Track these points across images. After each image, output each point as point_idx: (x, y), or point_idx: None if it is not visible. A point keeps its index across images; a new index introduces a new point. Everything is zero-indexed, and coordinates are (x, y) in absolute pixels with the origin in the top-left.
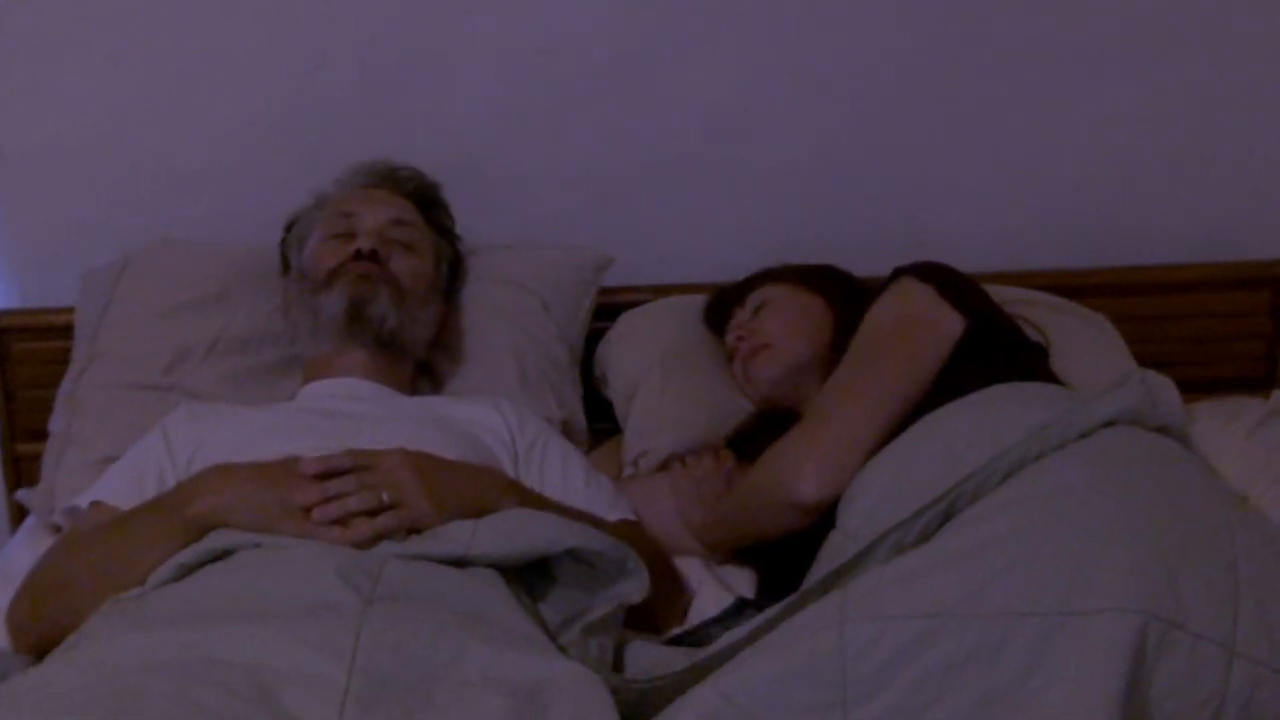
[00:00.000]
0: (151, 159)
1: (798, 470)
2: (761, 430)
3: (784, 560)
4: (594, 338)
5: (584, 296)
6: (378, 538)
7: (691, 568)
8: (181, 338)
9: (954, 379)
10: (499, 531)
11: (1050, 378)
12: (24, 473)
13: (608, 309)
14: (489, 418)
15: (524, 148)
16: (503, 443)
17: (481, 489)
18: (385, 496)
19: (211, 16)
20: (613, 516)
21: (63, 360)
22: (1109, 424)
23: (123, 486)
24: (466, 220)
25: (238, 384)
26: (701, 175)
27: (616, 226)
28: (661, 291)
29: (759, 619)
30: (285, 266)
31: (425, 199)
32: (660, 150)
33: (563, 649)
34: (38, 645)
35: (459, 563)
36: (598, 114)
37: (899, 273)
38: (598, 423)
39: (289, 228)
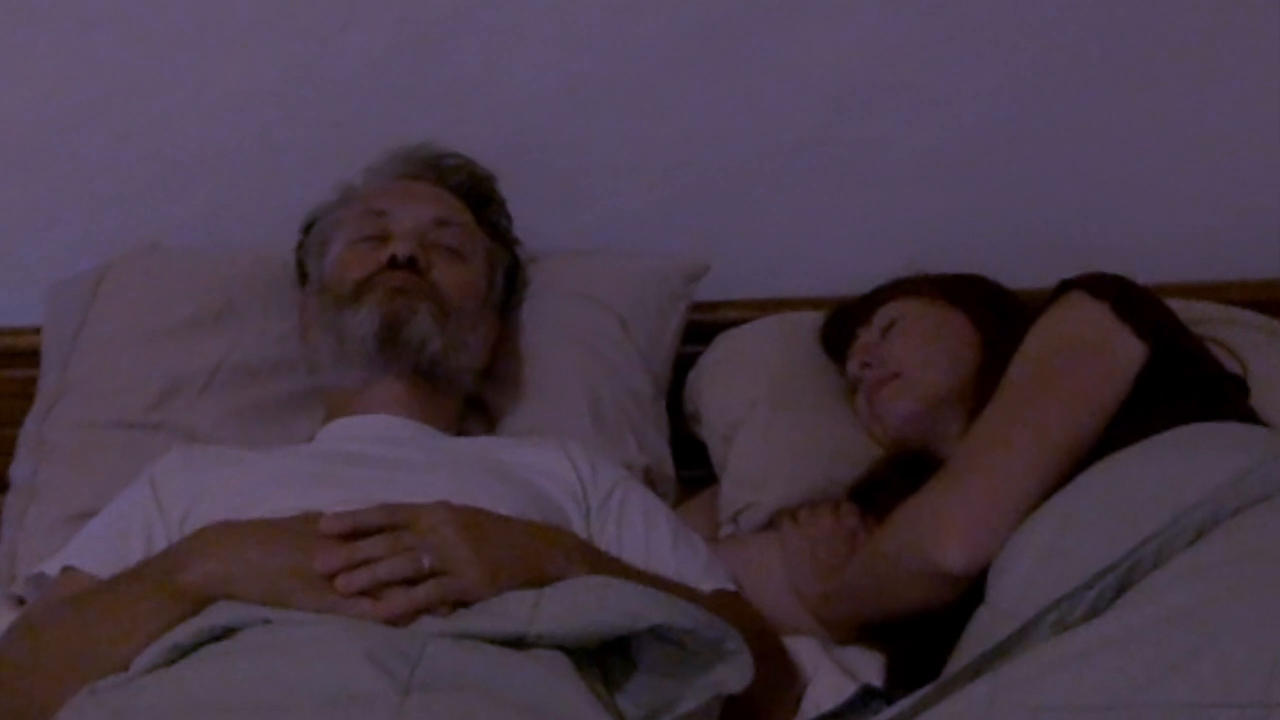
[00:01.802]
0: (136, 143)
1: (940, 532)
2: (893, 480)
3: (920, 641)
4: (684, 365)
5: (672, 314)
6: (417, 613)
7: (805, 649)
8: (173, 365)
9: (1132, 418)
10: (566, 605)
11: (1249, 416)
12: None
13: (701, 329)
14: (554, 464)
15: (598, 130)
16: (571, 495)
17: (544, 552)
18: (426, 562)
19: None
20: (707, 586)
21: (27, 393)
22: None
23: (100, 549)
24: (526, 220)
25: (243, 422)
26: (819, 163)
27: (712, 227)
28: (768, 307)
29: (890, 713)
30: (302, 277)
31: (476, 194)
32: (768, 132)
33: None
34: None
35: (517, 643)
36: (690, 87)
37: (1065, 286)
38: (689, 470)
39: (307, 229)
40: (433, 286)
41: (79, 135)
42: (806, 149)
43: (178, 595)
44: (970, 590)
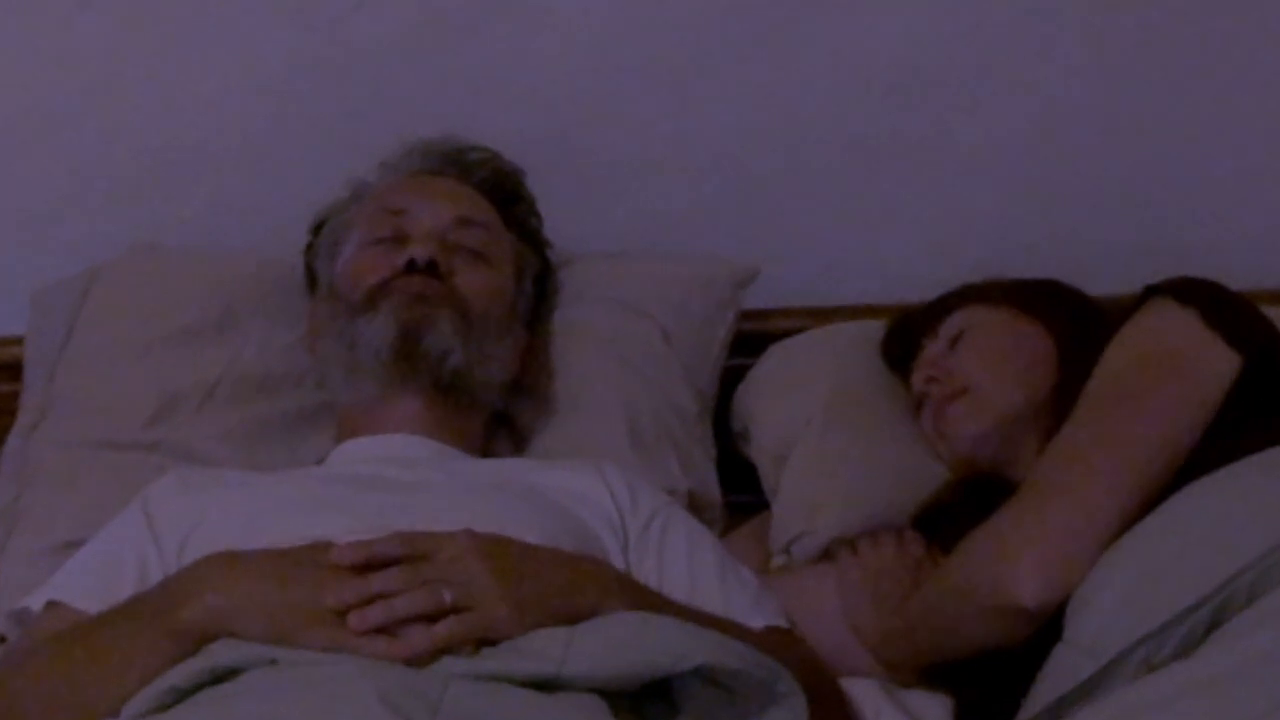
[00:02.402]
0: (129, 136)
1: (1014, 563)
2: (962, 506)
3: (991, 683)
4: (732, 378)
5: (719, 323)
6: (437, 652)
7: (865, 692)
8: (170, 379)
9: (1223, 436)
10: (602, 642)
11: None
12: None
13: (751, 339)
14: (589, 488)
15: (636, 120)
16: (608, 522)
17: (578, 585)
18: (448, 596)
19: None
20: (757, 622)
21: (9, 409)
22: None
23: (89, 582)
24: (557, 219)
25: (246, 442)
26: (878, 157)
27: (761, 227)
28: (824, 315)
29: None
30: (311, 283)
31: (503, 190)
32: (822, 123)
33: None
34: None
35: (548, 685)
36: (736, 73)
37: (1150, 292)
38: (737, 494)
39: (316, 229)
40: (455, 292)
41: (66, 127)
42: (864, 142)
43: (174, 633)
44: (1047, 627)
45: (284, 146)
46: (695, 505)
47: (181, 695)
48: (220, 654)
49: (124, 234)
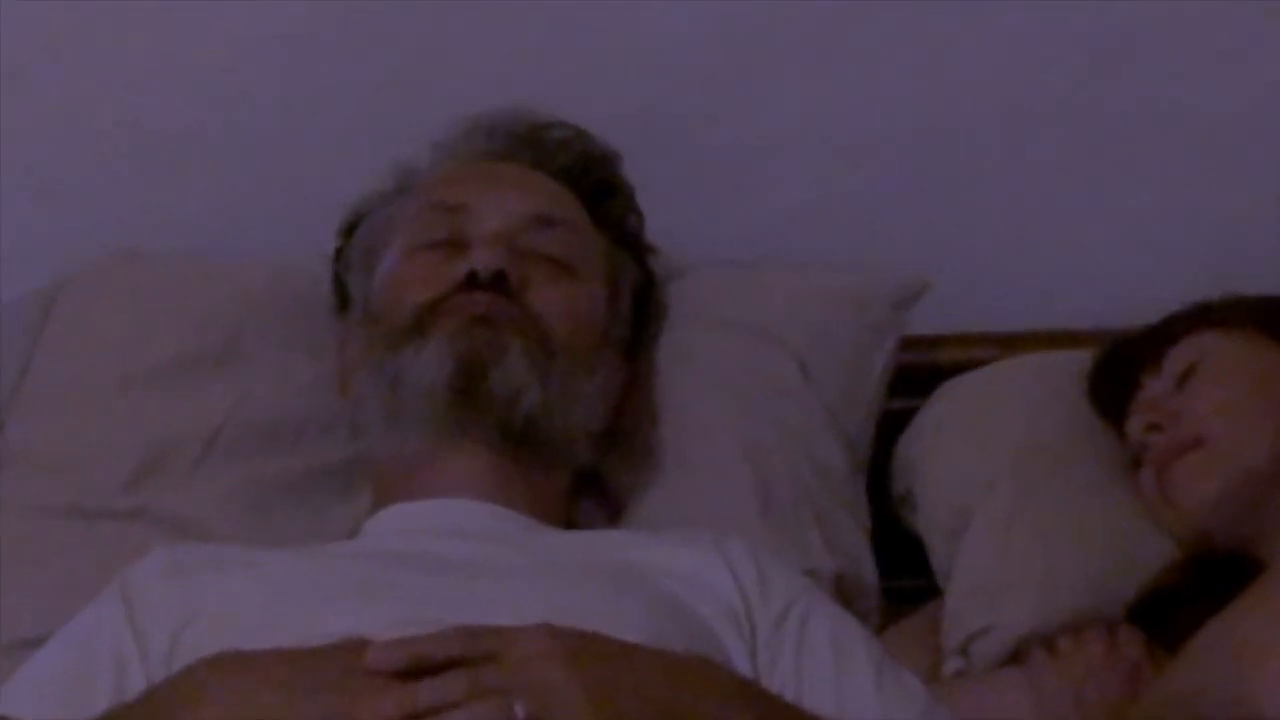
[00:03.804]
0: (106, 112)
1: (1260, 670)
2: (1192, 592)
3: None
4: (891, 425)
5: (874, 353)
6: None
7: None
8: (156, 427)
9: None
10: None
11: None
12: None
13: (916, 375)
14: (706, 569)
15: (762, 95)
16: (730, 614)
17: (689, 696)
18: (520, 710)
19: None
20: None
21: None
22: None
23: (51, 695)
24: (662, 217)
25: (255, 510)
26: (1076, 141)
27: (925, 228)
28: (1010, 344)
29: None
30: (342, 301)
31: (593, 180)
32: (1002, 99)
33: None
34: None
35: None
36: (889, 38)
37: None
38: (897, 578)
39: (348, 231)
40: (529, 313)
41: (25, 102)
42: (1055, 122)
43: None
44: None
45: (305, 123)
46: (844, 591)
47: None
48: None
49: (98, 235)
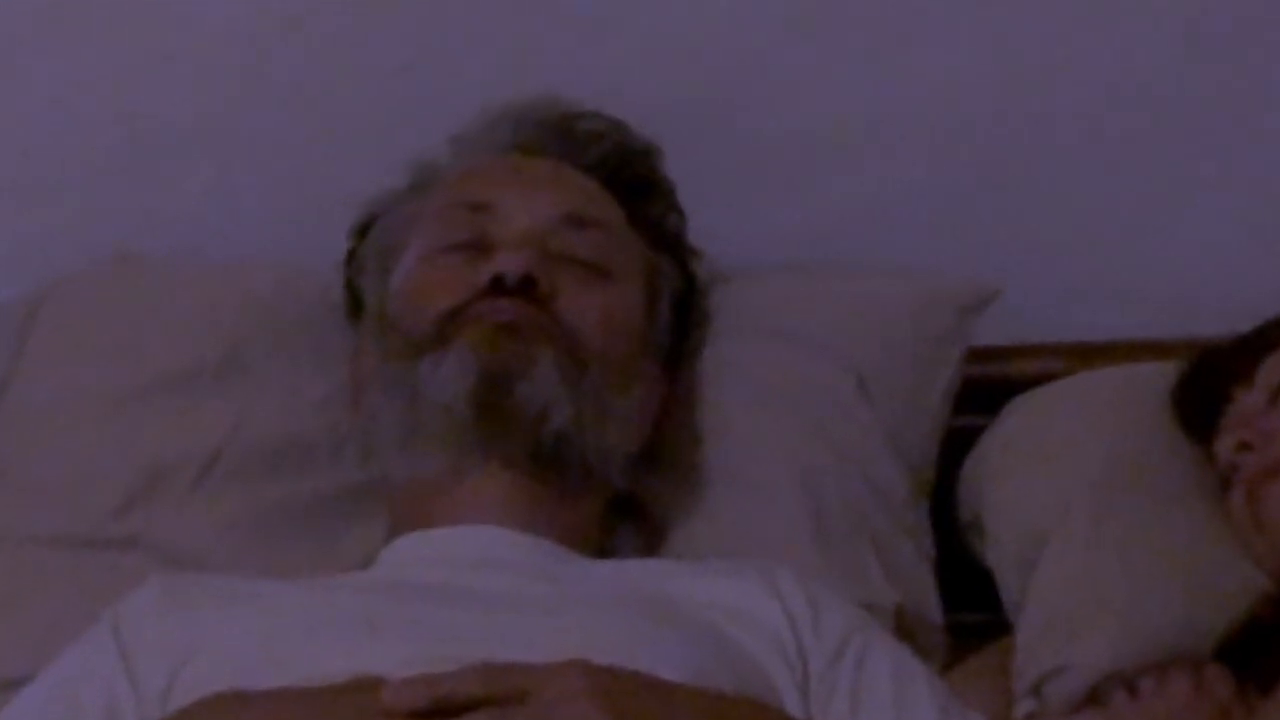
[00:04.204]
0: (100, 98)
1: None
2: None
3: None
4: (958, 445)
5: (939, 366)
6: None
7: None
8: (151, 447)
9: None
10: None
11: None
12: None
13: (984, 389)
14: (753, 602)
15: (818, 79)
16: (779, 649)
17: None
18: None
19: None
20: None
21: None
22: None
23: None
24: (705, 217)
25: (259, 537)
26: (1169, 129)
27: (994, 228)
28: (1087, 354)
29: None
30: (354, 308)
31: (630, 177)
32: (1083, 84)
33: None
34: None
35: None
36: (956, 13)
37: None
38: (964, 611)
39: (361, 231)
40: (560, 321)
41: (8, 90)
42: (1144, 109)
43: None
44: None
45: (313, 113)
46: (906, 627)
47: None
48: None
49: (87, 237)
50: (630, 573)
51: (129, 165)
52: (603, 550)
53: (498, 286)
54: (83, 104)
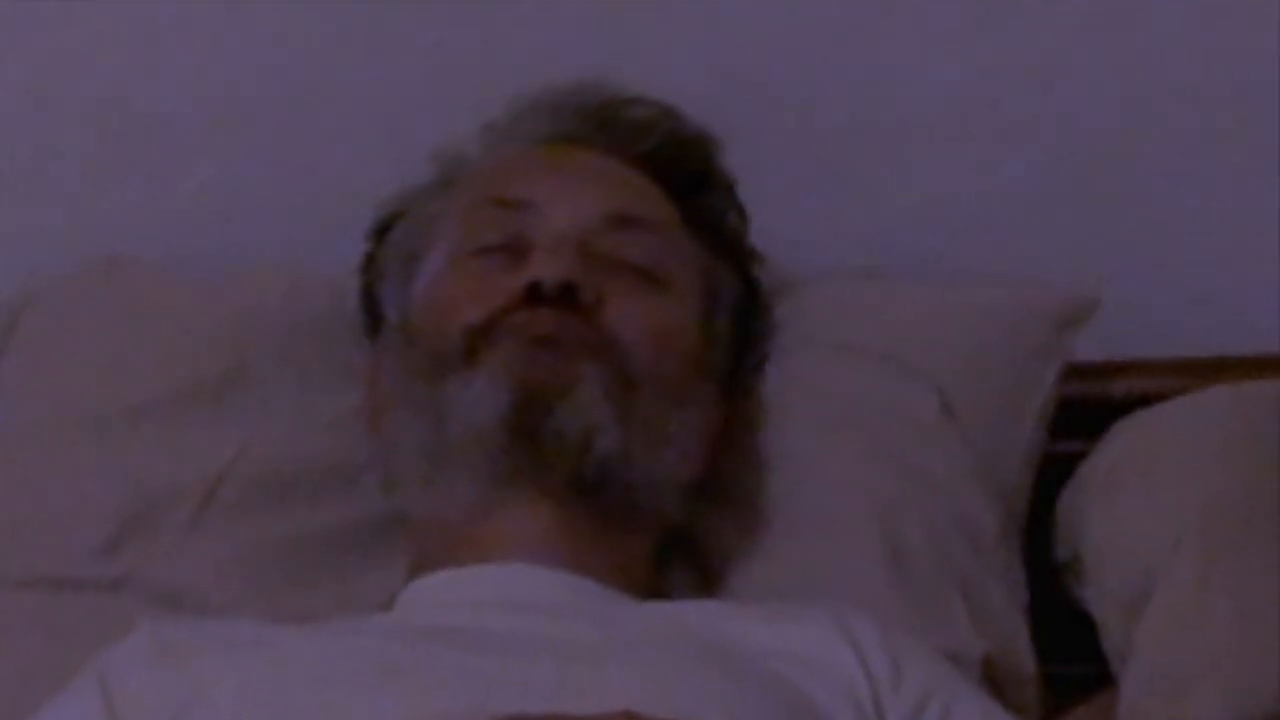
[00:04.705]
0: (87, 86)
1: None
2: None
3: None
4: (1054, 475)
5: (1032, 386)
6: None
7: None
8: (143, 476)
9: None
10: None
11: None
12: None
13: (1084, 411)
14: (823, 649)
15: (892, 63)
16: (853, 701)
17: None
18: None
19: None
20: None
21: None
22: None
23: None
24: (767, 217)
25: (264, 577)
26: None
27: (1096, 232)
28: (1199, 372)
29: None
30: (372, 319)
31: (685, 170)
32: (1192, 67)
33: None
34: None
35: None
36: None
37: None
38: (1061, 662)
39: (380, 232)
40: (605, 335)
41: None
42: (1265, 99)
43: None
44: None
45: (326, 101)
46: (995, 679)
47: None
48: None
49: (73, 239)
50: (684, 616)
51: (120, 161)
52: (654, 591)
53: (534, 295)
54: (70, 95)
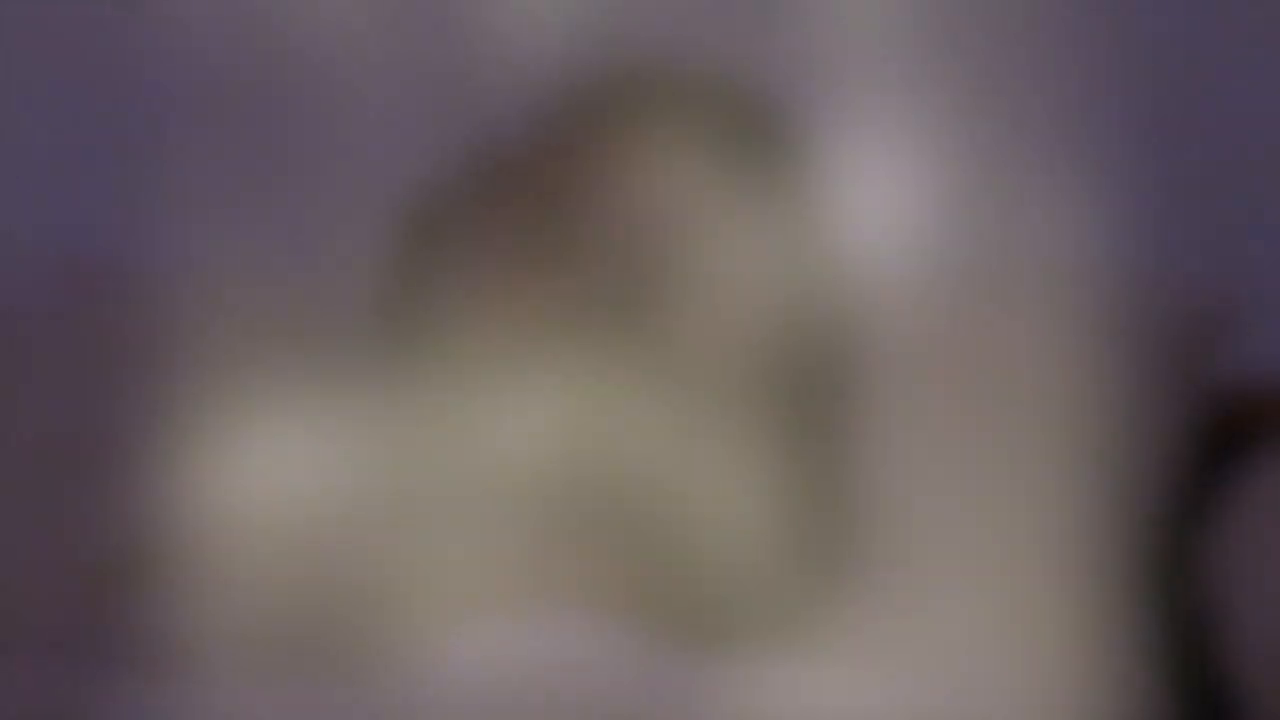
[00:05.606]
0: (73, 73)
1: None
2: None
3: None
4: (1196, 510)
5: (1168, 405)
6: None
7: None
8: (116, 525)
9: None
10: None
11: None
12: None
13: (1223, 435)
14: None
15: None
16: None
17: None
18: None
19: None
20: None
21: None
22: None
23: None
24: None
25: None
26: None
27: (1241, 227)
28: None
29: None
30: (395, 331)
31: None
32: None
33: None
34: None
35: None
36: None
37: None
38: None
39: (406, 234)
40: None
41: None
42: None
43: None
44: None
45: (338, 85)
46: None
47: None
48: None
49: (50, 241)
50: None
51: (111, 157)
52: None
53: None
54: (57, 84)
